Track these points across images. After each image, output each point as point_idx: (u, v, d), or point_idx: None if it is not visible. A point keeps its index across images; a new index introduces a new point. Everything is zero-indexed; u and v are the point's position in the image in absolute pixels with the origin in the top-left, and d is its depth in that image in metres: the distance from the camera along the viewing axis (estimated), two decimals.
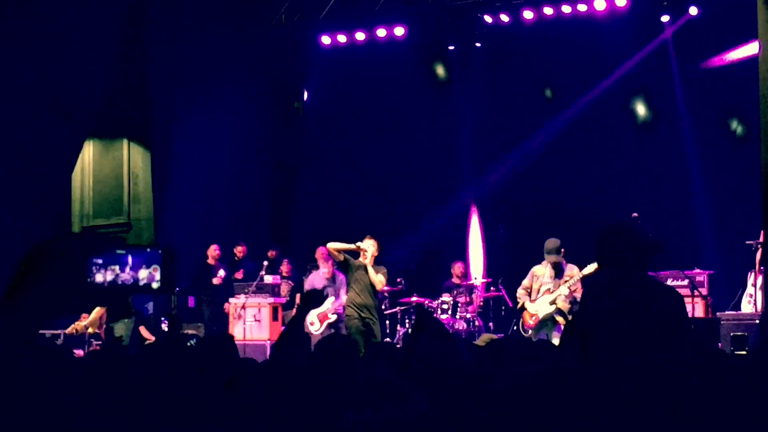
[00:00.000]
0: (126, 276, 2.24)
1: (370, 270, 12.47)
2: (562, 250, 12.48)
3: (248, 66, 18.84)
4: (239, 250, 17.42)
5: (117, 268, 2.22)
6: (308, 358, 5.39)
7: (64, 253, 2.16)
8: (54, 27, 14.48)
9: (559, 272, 12.48)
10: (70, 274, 2.16)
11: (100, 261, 2.19)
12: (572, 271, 12.33)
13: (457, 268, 16.80)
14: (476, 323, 15.76)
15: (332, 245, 12.81)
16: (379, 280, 12.51)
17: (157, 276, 2.31)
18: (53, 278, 2.11)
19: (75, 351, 12.30)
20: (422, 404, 3.55)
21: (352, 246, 12.58)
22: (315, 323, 14.98)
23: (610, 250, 5.73)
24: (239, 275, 16.81)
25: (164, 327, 13.50)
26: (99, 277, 2.21)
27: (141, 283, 2.25)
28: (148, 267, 2.30)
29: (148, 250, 2.31)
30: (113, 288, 2.21)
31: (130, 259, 2.28)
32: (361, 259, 12.56)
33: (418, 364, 4.83)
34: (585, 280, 11.97)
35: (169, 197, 17.32)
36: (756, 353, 5.29)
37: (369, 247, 12.56)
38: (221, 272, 16.61)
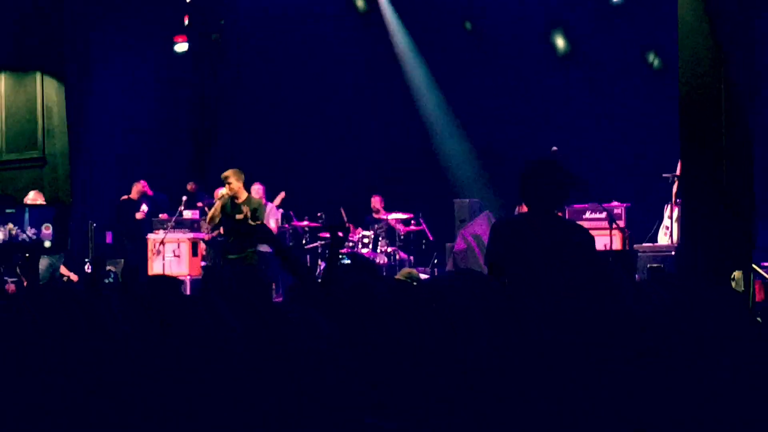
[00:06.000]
0: (20, 234, 2.17)
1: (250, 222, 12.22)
2: None
3: None
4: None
5: (11, 226, 2.14)
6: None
7: None
8: None
9: None
10: None
11: None
12: None
13: (374, 202, 16.82)
14: (397, 257, 15.83)
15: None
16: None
17: (49, 234, 2.23)
18: None
19: None
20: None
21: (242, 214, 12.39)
22: None
23: (533, 186, 5.74)
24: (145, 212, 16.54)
25: (87, 269, 13.33)
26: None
27: (31, 241, 2.17)
28: (38, 225, 2.23)
29: (39, 208, 2.23)
30: (5, 246, 2.13)
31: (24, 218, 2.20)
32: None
33: (337, 292, 4.78)
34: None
35: (86, 131, 17.01)
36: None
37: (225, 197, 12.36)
38: (144, 207, 16.47)
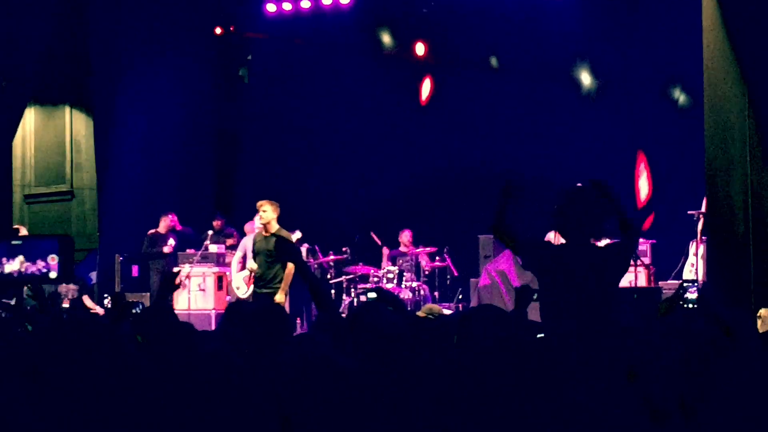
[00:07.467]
0: (26, 266, 2.19)
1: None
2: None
3: (192, 33, 18.60)
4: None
5: (22, 258, 2.18)
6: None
7: None
8: None
9: None
10: None
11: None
12: None
13: (404, 236, 16.84)
14: (422, 292, 15.81)
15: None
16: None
17: (55, 265, 2.26)
18: None
19: None
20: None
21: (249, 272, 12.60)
22: (241, 287, 14.86)
23: (567, 213, 5.75)
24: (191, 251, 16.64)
25: (107, 303, 13.38)
26: (7, 268, 2.17)
27: (37, 273, 2.20)
28: (44, 257, 2.25)
29: (43, 240, 2.26)
30: (13, 279, 2.16)
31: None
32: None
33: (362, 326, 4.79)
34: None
35: (113, 165, 17.13)
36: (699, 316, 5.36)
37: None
38: (171, 241, 16.53)
